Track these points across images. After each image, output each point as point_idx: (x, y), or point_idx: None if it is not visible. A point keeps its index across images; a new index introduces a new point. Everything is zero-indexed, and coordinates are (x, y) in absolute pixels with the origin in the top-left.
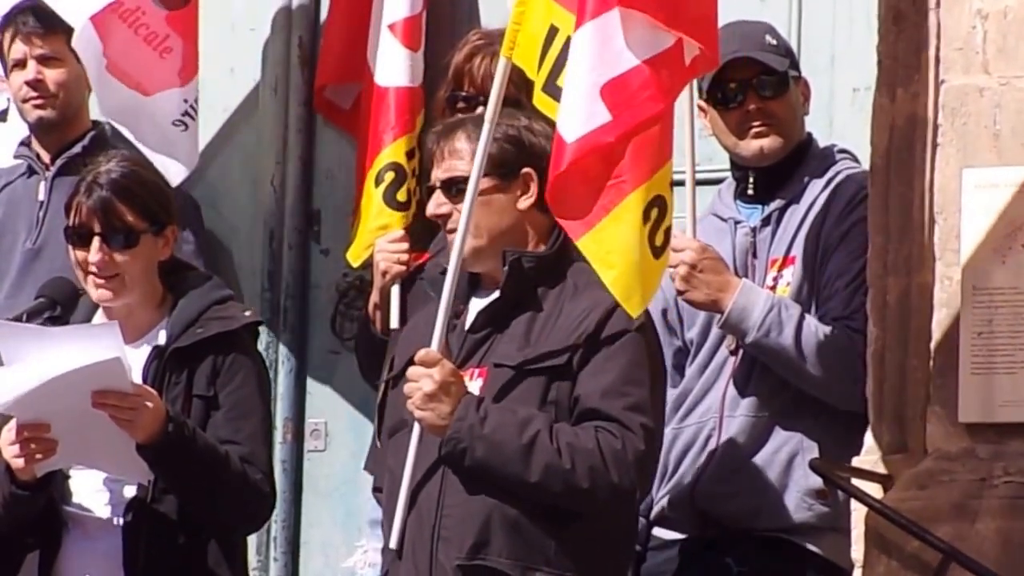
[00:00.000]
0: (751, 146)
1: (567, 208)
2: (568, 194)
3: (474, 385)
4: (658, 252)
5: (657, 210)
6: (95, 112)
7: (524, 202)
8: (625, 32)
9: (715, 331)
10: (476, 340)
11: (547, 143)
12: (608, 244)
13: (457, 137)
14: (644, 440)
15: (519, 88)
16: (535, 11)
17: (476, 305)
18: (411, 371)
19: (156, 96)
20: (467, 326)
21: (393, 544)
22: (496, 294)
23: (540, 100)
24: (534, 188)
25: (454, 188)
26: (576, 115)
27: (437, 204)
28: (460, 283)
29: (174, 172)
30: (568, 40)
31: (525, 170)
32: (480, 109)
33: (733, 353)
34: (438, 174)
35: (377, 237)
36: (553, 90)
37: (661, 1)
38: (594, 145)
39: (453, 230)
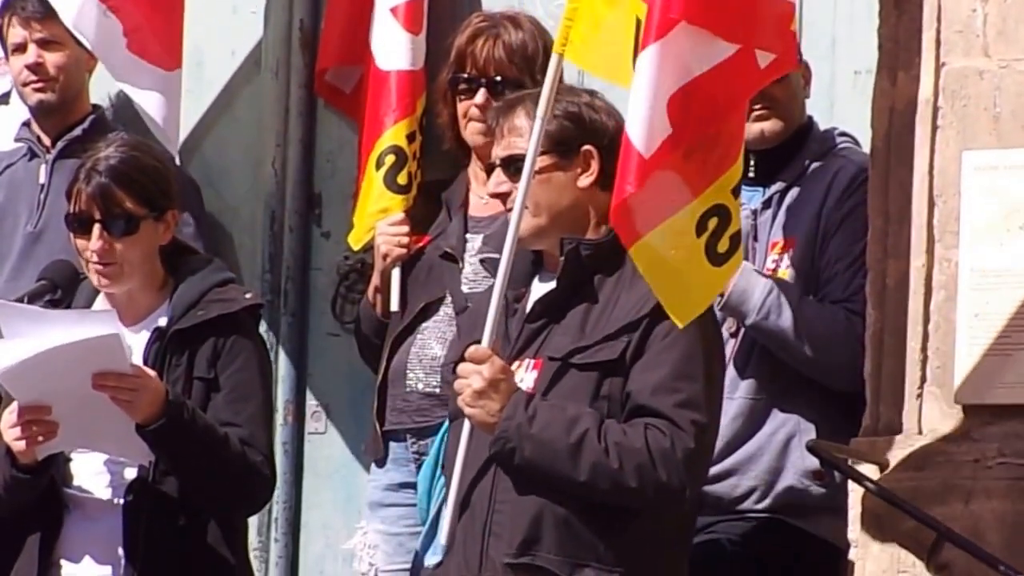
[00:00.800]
0: (752, 129)
1: (623, 216)
2: (628, 204)
3: (529, 377)
4: (721, 259)
5: (717, 219)
6: (95, 95)
7: (584, 180)
8: (690, 45)
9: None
10: (533, 330)
11: (609, 120)
12: (659, 254)
13: (517, 114)
14: (694, 437)
15: (522, 71)
16: (591, 8)
17: (537, 290)
18: (461, 368)
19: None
20: (526, 311)
21: (443, 539)
22: (555, 282)
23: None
24: (595, 166)
25: (513, 166)
26: (648, 131)
27: (497, 183)
28: (523, 264)
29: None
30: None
31: (585, 147)
32: (482, 92)
33: (733, 336)
34: (498, 152)
35: (378, 220)
36: None
37: (724, 14)
38: (660, 160)
39: (512, 209)
